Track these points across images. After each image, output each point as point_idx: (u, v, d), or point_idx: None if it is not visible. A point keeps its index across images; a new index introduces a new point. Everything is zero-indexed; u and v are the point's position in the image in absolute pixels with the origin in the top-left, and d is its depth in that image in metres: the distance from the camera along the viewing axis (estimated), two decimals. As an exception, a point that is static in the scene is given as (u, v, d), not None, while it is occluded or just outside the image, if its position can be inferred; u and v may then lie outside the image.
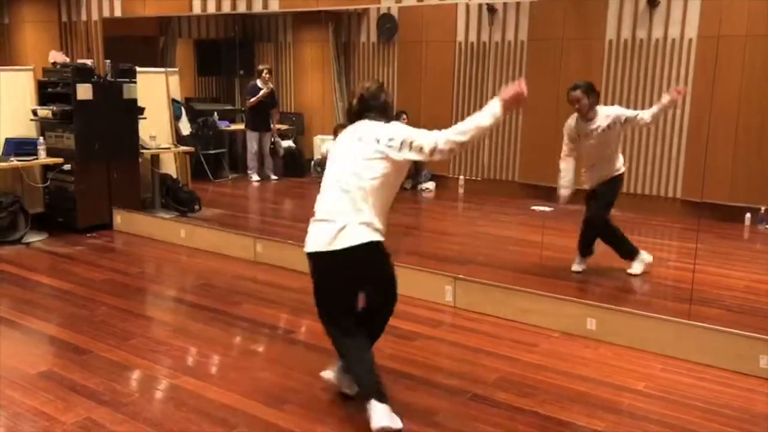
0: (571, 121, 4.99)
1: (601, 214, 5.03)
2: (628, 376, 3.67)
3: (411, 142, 3.05)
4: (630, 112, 4.94)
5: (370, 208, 3.05)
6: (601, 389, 3.51)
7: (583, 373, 3.71)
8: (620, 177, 5.08)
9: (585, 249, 5.15)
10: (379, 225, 3.08)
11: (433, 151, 3.02)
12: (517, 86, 3.00)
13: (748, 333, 3.75)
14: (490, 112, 3.00)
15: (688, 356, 3.86)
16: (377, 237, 3.06)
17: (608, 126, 4.89)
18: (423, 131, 3.09)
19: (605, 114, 4.91)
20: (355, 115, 3.29)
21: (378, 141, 3.09)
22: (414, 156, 3.08)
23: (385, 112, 3.29)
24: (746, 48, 6.32)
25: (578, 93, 4.85)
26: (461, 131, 3.01)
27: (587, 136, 4.93)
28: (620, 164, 5.07)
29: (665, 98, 4.81)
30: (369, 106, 3.26)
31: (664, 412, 3.28)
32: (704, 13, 6.52)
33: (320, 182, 3.22)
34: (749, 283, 5.09)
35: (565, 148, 5.02)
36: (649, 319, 4.02)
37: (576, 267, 5.18)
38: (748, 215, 6.37)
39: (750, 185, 6.38)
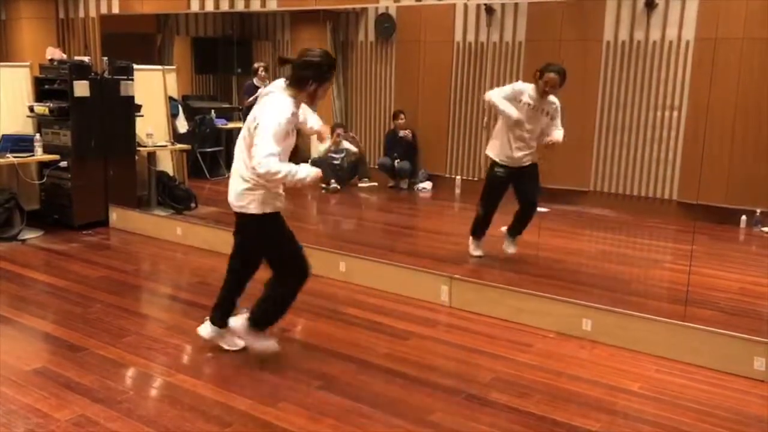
0: (530, 90, 5.04)
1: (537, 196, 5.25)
2: (622, 377, 3.68)
3: (254, 141, 3.29)
4: (558, 120, 5.08)
5: None
6: (595, 390, 3.52)
7: (578, 373, 3.72)
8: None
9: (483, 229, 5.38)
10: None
11: (255, 167, 3.27)
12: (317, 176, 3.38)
13: (742, 335, 3.76)
14: (301, 174, 3.30)
15: (683, 357, 3.87)
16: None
17: (548, 111, 5.05)
18: (267, 140, 3.22)
19: (553, 99, 5.06)
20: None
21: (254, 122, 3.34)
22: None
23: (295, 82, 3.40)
24: (743, 50, 6.34)
25: (557, 78, 4.92)
26: (277, 170, 3.24)
27: (540, 111, 5.04)
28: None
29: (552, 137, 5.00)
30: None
31: (658, 412, 3.29)
32: (701, 16, 6.53)
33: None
34: (744, 285, 5.10)
35: (504, 107, 5.02)
36: (644, 320, 4.03)
37: (480, 252, 5.40)
38: (743, 217, 6.39)
39: (746, 187, 6.39)
